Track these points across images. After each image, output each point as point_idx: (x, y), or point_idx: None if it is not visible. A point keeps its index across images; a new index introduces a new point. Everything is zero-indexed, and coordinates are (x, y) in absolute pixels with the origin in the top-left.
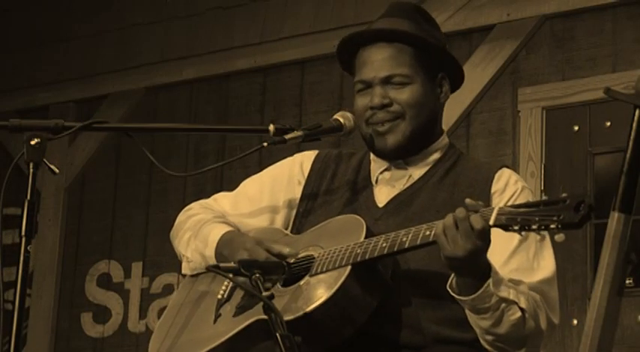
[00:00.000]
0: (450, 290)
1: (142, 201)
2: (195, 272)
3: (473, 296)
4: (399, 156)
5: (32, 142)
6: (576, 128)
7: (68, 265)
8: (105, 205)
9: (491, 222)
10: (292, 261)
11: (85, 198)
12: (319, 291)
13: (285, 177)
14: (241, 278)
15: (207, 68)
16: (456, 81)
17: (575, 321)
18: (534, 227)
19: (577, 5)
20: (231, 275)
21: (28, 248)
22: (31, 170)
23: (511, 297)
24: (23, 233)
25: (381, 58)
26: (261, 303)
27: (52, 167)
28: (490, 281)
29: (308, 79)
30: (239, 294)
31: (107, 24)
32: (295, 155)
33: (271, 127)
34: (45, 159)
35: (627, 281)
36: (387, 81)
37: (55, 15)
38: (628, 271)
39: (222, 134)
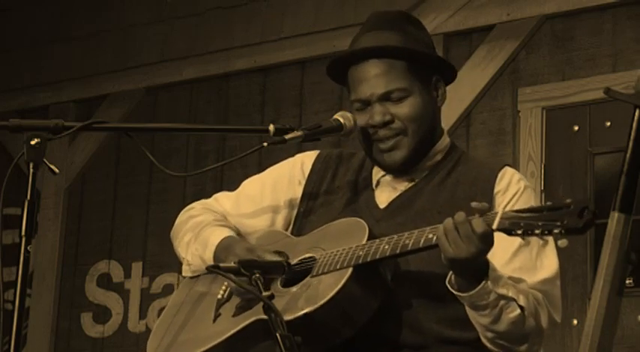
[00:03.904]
0: (448, 286)
1: (142, 201)
2: (195, 275)
3: (471, 292)
4: (406, 169)
5: (32, 142)
6: (576, 128)
7: (68, 265)
8: (105, 205)
9: (494, 226)
10: (294, 261)
11: (85, 198)
12: (320, 292)
13: (286, 178)
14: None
15: (207, 68)
16: (449, 78)
17: (575, 321)
18: (537, 232)
19: (577, 5)
20: (232, 276)
21: (28, 248)
22: (31, 170)
23: (510, 294)
24: (23, 233)
25: (375, 75)
26: (261, 303)
27: (52, 167)
28: (488, 277)
29: (308, 79)
30: None
31: (107, 24)
32: (296, 155)
33: (271, 127)
34: (45, 159)
35: (627, 281)
36: (385, 97)
37: (54, 15)
38: (628, 271)
39: (222, 134)
